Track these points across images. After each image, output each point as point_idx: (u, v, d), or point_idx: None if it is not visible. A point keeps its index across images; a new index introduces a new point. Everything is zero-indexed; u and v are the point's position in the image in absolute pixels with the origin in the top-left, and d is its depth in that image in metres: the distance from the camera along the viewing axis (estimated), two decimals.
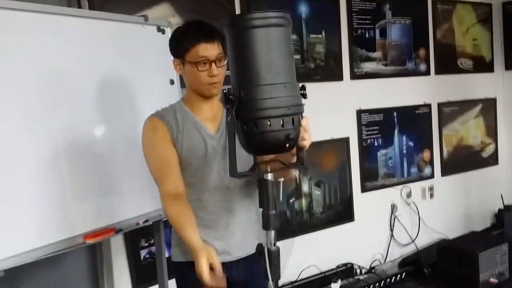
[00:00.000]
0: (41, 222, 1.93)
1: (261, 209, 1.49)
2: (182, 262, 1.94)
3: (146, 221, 2.33)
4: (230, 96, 1.40)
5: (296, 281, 3.23)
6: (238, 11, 3.07)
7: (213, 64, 1.82)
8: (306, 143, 1.52)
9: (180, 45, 1.84)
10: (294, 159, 1.55)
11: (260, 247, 1.43)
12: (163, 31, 2.45)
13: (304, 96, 1.47)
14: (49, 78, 1.98)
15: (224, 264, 1.85)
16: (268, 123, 1.38)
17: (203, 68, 1.81)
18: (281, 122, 1.38)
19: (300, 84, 1.46)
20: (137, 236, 2.74)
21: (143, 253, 2.79)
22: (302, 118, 1.47)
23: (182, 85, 2.51)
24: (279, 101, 1.39)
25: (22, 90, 1.89)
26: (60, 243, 1.96)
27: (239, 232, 1.91)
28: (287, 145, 1.39)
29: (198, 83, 1.85)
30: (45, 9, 1.97)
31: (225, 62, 1.83)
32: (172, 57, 1.90)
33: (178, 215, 1.82)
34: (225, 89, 1.42)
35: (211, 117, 1.92)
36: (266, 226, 1.42)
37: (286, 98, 1.40)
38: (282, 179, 1.46)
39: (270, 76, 1.38)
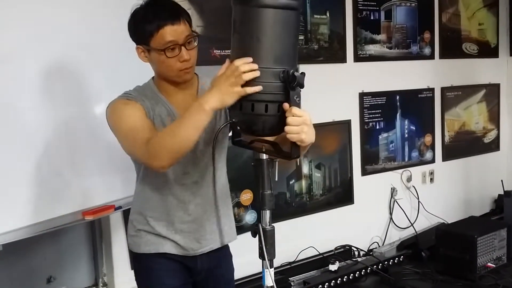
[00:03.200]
0: (40, 197, 1.93)
1: (225, 207, 1.61)
2: (145, 254, 1.81)
3: None
4: None
5: (294, 262, 3.25)
6: None
7: (182, 48, 1.62)
8: (297, 137, 1.39)
9: (142, 30, 1.63)
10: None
11: (255, 226, 1.44)
12: None
13: (301, 85, 1.38)
14: (46, 51, 1.96)
15: (186, 257, 1.80)
16: (265, 108, 1.38)
17: (172, 54, 1.61)
18: (277, 108, 1.38)
19: (300, 71, 1.40)
20: None
21: None
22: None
23: None
24: (268, 86, 1.38)
25: (20, 60, 1.88)
26: (59, 219, 1.97)
27: (206, 228, 1.80)
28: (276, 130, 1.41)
29: (168, 70, 1.66)
30: None
31: (196, 43, 1.66)
32: (135, 44, 1.70)
33: (165, 130, 1.60)
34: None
35: (184, 105, 1.68)
36: (261, 205, 1.43)
37: (275, 84, 1.38)
38: (278, 159, 1.46)
39: (276, 60, 1.37)
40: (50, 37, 1.97)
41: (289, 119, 1.38)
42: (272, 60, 1.38)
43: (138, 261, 1.86)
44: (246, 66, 1.37)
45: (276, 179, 1.45)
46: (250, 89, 1.38)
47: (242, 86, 1.38)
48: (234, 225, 1.94)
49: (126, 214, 2.70)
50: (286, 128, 1.39)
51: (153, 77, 1.78)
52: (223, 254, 1.91)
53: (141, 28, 1.63)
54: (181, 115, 1.61)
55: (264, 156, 1.44)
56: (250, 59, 1.37)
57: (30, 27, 1.91)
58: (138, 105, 1.67)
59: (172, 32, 1.60)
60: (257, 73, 1.37)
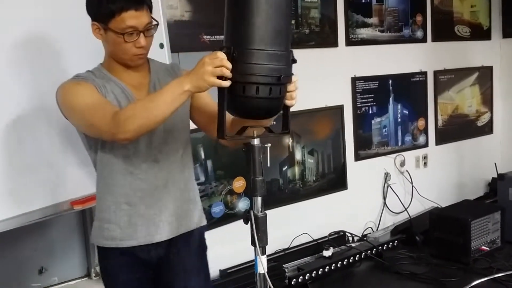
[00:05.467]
0: (29, 187, 1.90)
1: (187, 190, 1.60)
2: (110, 248, 1.74)
3: None
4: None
5: (288, 249, 3.24)
6: None
7: (141, 34, 1.61)
8: (294, 102, 1.52)
9: (103, 9, 1.58)
10: (271, 123, 1.54)
11: (246, 213, 1.42)
12: None
13: (294, 61, 1.45)
14: (35, 35, 1.92)
15: (147, 245, 1.73)
16: (256, 90, 1.36)
17: (130, 39, 1.60)
18: (269, 91, 1.36)
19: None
20: None
21: None
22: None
23: (173, 49, 2.46)
24: (271, 69, 1.38)
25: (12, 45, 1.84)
26: (47, 209, 1.94)
27: (167, 211, 1.75)
28: (270, 112, 1.42)
29: (122, 53, 1.64)
30: None
31: (154, 31, 1.66)
32: (90, 19, 1.65)
33: (136, 103, 1.59)
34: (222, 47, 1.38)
35: (136, 84, 1.72)
36: (252, 192, 1.41)
37: (279, 67, 1.39)
38: (269, 144, 1.44)
39: (268, 42, 1.36)
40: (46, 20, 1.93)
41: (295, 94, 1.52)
42: (264, 42, 1.37)
43: (102, 256, 1.80)
44: (224, 61, 1.37)
45: (268, 165, 1.43)
46: (222, 82, 1.38)
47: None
48: (202, 211, 1.89)
49: None
50: (294, 94, 1.50)
51: (101, 63, 1.75)
52: (189, 243, 1.83)
53: (103, 6, 1.58)
54: (135, 93, 1.67)
55: (255, 142, 1.41)
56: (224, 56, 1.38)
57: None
58: (89, 84, 1.64)
59: (134, 17, 1.58)
60: (228, 73, 1.37)
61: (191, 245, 1.83)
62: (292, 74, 1.45)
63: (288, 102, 1.50)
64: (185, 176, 1.81)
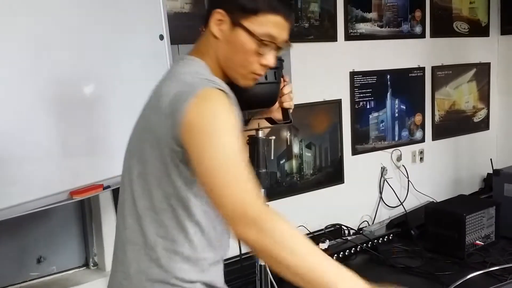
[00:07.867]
0: (29, 177, 1.90)
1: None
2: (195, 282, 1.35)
3: None
4: None
5: None
6: None
7: (274, 50, 1.28)
8: (293, 104, 1.52)
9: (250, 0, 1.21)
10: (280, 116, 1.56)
11: None
12: None
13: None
14: (35, 25, 1.91)
15: None
16: None
17: (263, 51, 1.24)
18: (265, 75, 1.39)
19: None
20: None
21: None
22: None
23: (172, 41, 2.46)
24: None
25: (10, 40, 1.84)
26: (46, 199, 1.95)
27: None
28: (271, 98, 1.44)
29: (240, 64, 1.26)
30: None
31: (280, 53, 1.33)
32: (213, 4, 1.27)
33: (306, 242, 1.18)
34: None
35: None
36: None
37: None
38: (274, 137, 1.46)
39: None
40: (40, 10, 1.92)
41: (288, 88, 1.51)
42: None
43: None
44: None
45: (272, 158, 1.45)
46: None
47: None
48: None
49: (115, 193, 2.68)
50: (285, 97, 1.49)
51: (203, 65, 1.28)
52: None
53: None
54: None
55: (260, 134, 1.43)
56: None
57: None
58: (236, 117, 1.19)
59: (280, 26, 1.25)
60: None
61: None
62: (283, 60, 1.47)
63: (286, 104, 1.50)
64: None
